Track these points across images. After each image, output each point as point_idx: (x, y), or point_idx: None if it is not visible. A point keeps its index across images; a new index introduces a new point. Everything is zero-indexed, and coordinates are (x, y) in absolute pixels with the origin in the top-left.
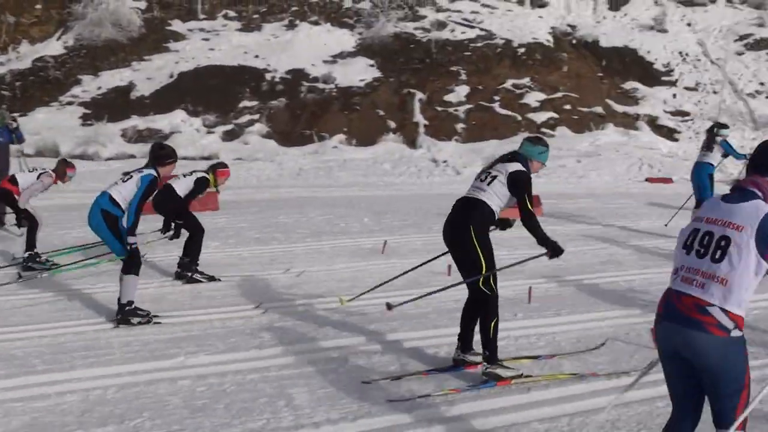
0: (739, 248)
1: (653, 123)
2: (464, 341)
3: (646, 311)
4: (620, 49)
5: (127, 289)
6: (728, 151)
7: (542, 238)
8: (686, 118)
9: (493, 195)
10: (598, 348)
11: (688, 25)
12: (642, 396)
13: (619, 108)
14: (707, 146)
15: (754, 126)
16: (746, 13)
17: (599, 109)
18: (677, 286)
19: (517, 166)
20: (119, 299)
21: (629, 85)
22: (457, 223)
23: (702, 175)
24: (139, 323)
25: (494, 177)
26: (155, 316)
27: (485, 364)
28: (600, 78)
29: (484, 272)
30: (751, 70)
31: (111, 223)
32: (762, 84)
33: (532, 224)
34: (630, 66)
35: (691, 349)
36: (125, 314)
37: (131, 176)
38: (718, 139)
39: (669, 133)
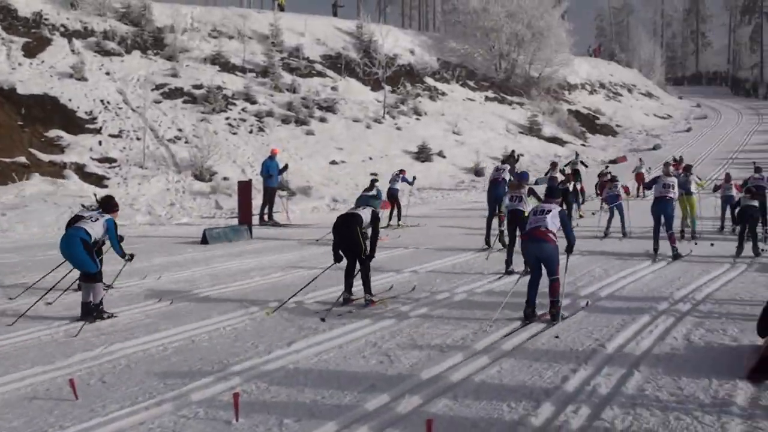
0: (553, 214)
1: (81, 170)
2: (348, 288)
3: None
4: (40, 97)
5: (98, 292)
6: None
7: None
8: (113, 164)
9: None
10: None
11: (107, 74)
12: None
13: (45, 157)
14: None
15: (177, 169)
16: (160, 63)
17: (22, 159)
18: (532, 225)
19: None
20: (90, 302)
21: (53, 133)
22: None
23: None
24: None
25: None
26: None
27: (367, 296)
28: (21, 126)
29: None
30: (169, 117)
31: (88, 249)
32: (180, 130)
33: None
34: (52, 114)
35: (542, 250)
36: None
37: (95, 218)
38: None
39: (98, 180)
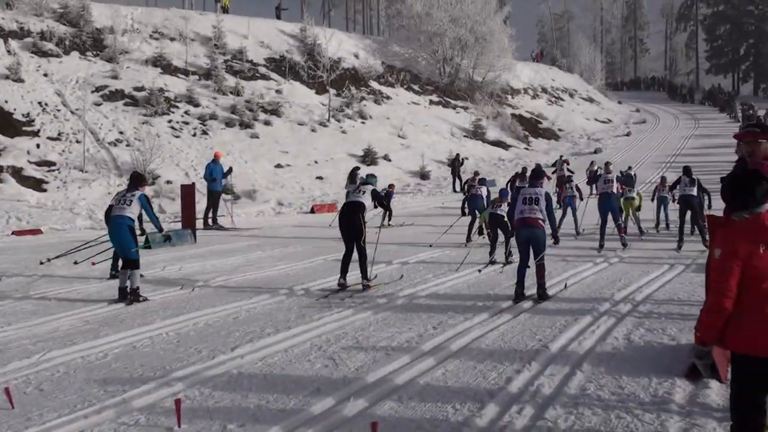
0: (541, 202)
1: (18, 174)
2: (344, 274)
3: None
4: None
5: (135, 278)
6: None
7: None
8: (52, 168)
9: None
10: None
11: (45, 75)
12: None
13: None
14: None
15: (118, 173)
16: (100, 65)
17: None
18: (524, 215)
19: None
20: (126, 287)
21: None
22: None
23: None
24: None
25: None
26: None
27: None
28: None
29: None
30: (110, 120)
31: (133, 235)
32: (121, 133)
33: None
34: None
35: (531, 234)
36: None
37: (129, 201)
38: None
39: (36, 184)
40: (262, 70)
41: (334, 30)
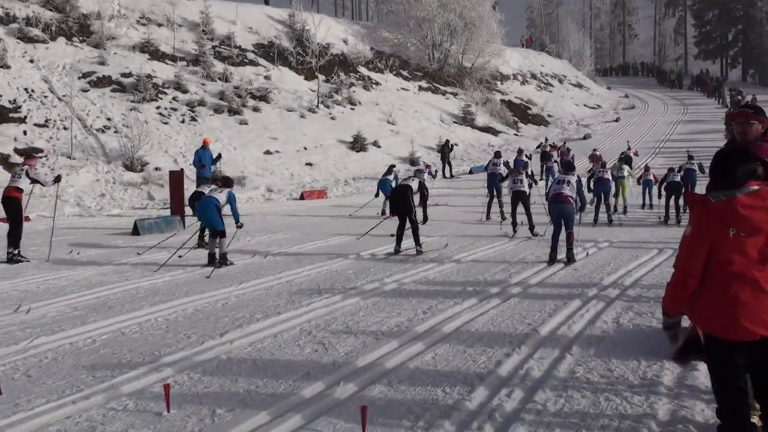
0: (571, 184)
1: (6, 161)
2: (399, 242)
3: None
4: None
5: (223, 245)
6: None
7: None
8: (40, 155)
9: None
10: None
11: (31, 61)
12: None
13: None
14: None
15: (107, 160)
16: (87, 51)
17: None
18: (556, 191)
19: None
20: (216, 253)
21: None
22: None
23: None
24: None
25: None
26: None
27: (417, 247)
28: None
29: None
30: (98, 107)
31: (218, 212)
32: (109, 119)
33: None
34: None
35: (563, 210)
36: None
37: (220, 191)
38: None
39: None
40: (251, 56)
41: (322, 15)
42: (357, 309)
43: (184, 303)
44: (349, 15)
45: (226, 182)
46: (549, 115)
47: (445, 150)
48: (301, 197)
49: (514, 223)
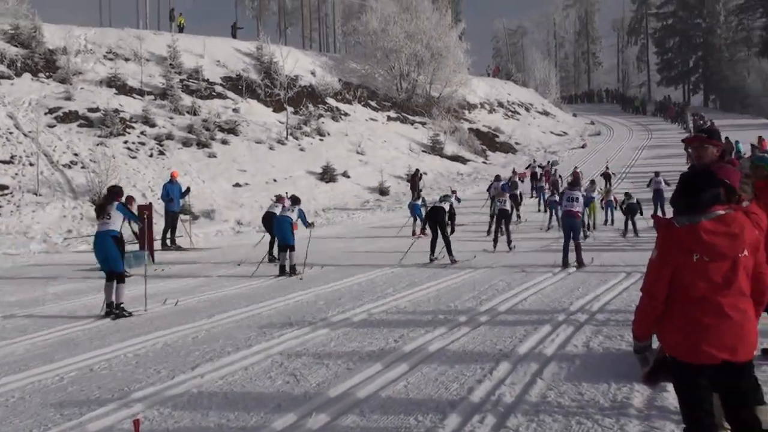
0: (579, 200)
1: None
2: (433, 251)
3: None
4: None
5: (293, 257)
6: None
7: None
8: (5, 191)
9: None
10: None
11: None
12: None
13: None
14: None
15: (74, 195)
16: (53, 86)
17: None
18: (567, 208)
19: None
20: (287, 265)
21: None
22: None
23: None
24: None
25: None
26: None
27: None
28: None
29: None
30: (64, 142)
31: (292, 228)
32: (76, 155)
33: None
34: None
35: (573, 223)
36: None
37: (291, 209)
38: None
39: None
40: (219, 89)
41: (290, 48)
42: (328, 339)
43: (154, 338)
44: (316, 47)
45: (295, 201)
46: (516, 143)
47: (414, 179)
48: None
49: (495, 240)
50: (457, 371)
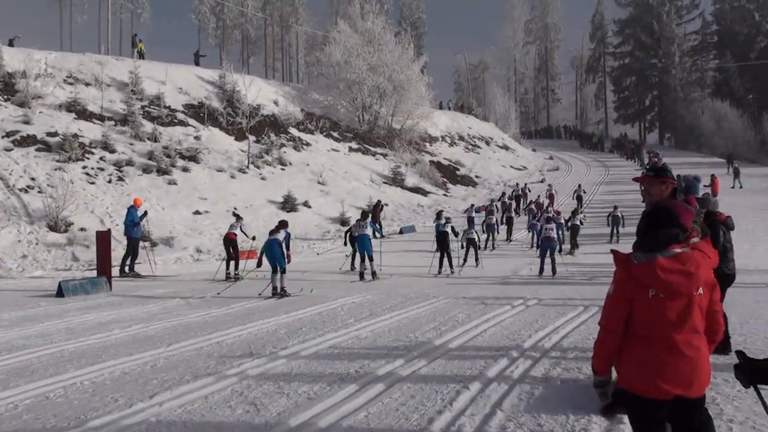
0: (554, 228)
1: None
2: (441, 267)
3: None
4: None
5: (372, 265)
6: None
7: None
8: None
9: None
10: None
11: None
12: None
13: None
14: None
15: (30, 220)
16: (11, 110)
17: None
18: (546, 233)
19: None
20: (364, 271)
21: None
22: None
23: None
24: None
25: None
26: None
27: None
28: None
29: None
30: (21, 166)
31: (370, 242)
32: (33, 179)
33: None
34: None
35: (550, 245)
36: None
37: (366, 225)
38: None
39: None
40: (181, 116)
41: (253, 77)
42: (289, 369)
43: (111, 365)
44: (279, 77)
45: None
46: (477, 176)
47: (375, 210)
48: None
49: (457, 265)
50: (418, 402)
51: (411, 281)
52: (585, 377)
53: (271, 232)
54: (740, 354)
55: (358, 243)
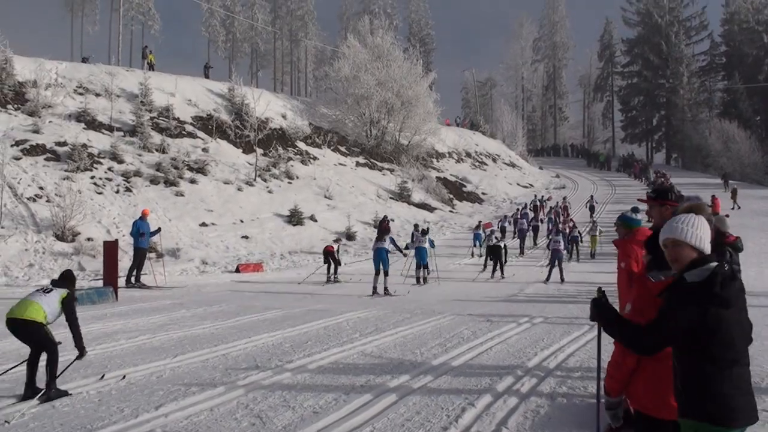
0: (560, 240)
1: None
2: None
3: None
4: None
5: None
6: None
7: None
8: None
9: None
10: None
11: None
12: None
13: None
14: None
15: (37, 229)
16: (21, 119)
17: None
18: (555, 243)
19: None
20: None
21: None
22: None
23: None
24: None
25: None
26: None
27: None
28: None
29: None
30: (30, 175)
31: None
32: (42, 188)
33: None
34: None
35: (559, 255)
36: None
37: (423, 240)
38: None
39: None
40: (189, 128)
41: (262, 90)
42: (295, 382)
43: (118, 376)
44: (288, 90)
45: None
46: (483, 193)
47: (382, 225)
48: (237, 270)
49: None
50: (423, 418)
51: (419, 296)
52: (591, 397)
53: (377, 240)
54: (600, 291)
55: (377, 256)
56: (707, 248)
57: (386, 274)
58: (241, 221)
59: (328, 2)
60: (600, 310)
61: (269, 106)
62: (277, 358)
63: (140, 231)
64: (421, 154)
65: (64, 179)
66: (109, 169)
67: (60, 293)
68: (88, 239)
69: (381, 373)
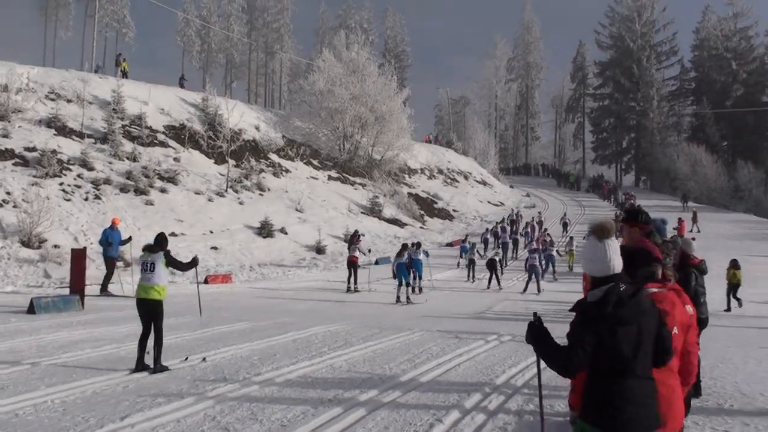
0: (538, 257)
1: None
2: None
3: None
4: None
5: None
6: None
7: None
8: None
9: None
10: None
11: None
12: None
13: None
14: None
15: (2, 235)
16: None
17: None
18: (532, 260)
19: None
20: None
21: None
22: None
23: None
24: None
25: None
26: None
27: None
28: None
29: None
30: None
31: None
32: (8, 194)
33: None
34: None
35: (535, 270)
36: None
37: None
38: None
39: None
40: (161, 137)
41: (236, 101)
42: (263, 395)
43: (83, 385)
44: (262, 102)
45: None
46: (454, 210)
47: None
48: (205, 281)
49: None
50: None
51: (435, 305)
52: (555, 415)
53: (399, 254)
54: (536, 317)
55: (396, 268)
56: (611, 269)
57: (408, 285)
58: (211, 232)
59: (305, 16)
60: (533, 333)
61: (243, 118)
62: (245, 370)
63: (108, 240)
64: (393, 170)
65: (32, 185)
66: (79, 176)
67: (161, 260)
68: (55, 246)
69: (350, 388)
